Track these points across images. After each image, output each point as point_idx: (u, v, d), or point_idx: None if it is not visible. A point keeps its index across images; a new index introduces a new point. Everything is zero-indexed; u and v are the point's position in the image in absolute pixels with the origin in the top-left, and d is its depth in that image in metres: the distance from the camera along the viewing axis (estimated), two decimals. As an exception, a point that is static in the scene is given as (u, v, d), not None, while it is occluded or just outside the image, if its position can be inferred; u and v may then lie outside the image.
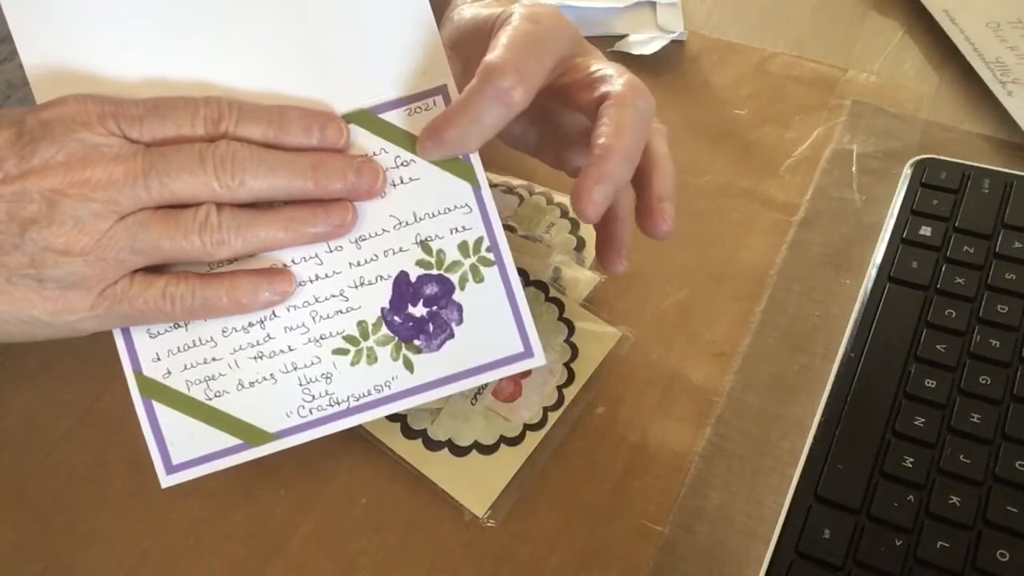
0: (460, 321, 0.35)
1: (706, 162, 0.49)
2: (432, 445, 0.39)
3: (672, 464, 0.38)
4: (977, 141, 0.47)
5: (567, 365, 0.41)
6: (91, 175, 0.30)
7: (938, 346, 0.38)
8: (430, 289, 0.35)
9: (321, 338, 0.34)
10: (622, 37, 0.55)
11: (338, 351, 0.34)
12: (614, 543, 0.36)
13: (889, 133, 0.48)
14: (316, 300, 0.34)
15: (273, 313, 0.34)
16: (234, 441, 0.34)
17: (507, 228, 0.45)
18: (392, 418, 0.39)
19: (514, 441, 0.39)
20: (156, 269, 0.33)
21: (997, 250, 0.41)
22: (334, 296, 0.34)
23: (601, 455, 0.39)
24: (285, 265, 0.34)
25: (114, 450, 0.40)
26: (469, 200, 0.35)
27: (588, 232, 0.45)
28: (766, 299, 0.43)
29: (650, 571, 0.35)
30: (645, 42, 0.54)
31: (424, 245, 0.34)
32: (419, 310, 0.35)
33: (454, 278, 0.35)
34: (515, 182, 0.48)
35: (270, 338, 0.34)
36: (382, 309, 0.35)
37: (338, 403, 0.35)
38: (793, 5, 0.57)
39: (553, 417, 0.39)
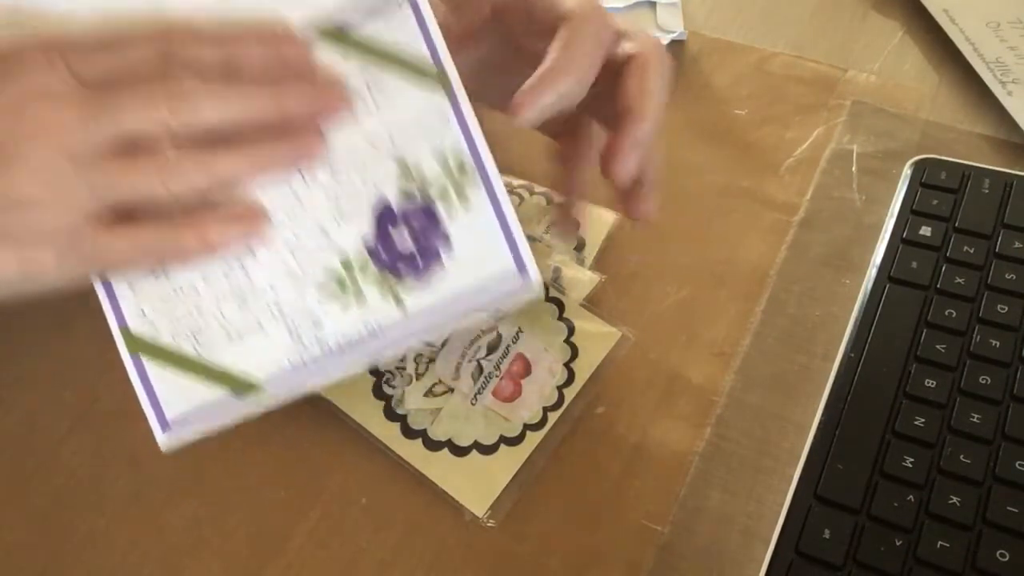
0: (449, 249, 0.32)
1: (706, 162, 0.49)
2: (432, 445, 0.39)
3: (672, 464, 0.38)
4: (977, 141, 0.47)
5: (567, 365, 0.41)
6: (40, 119, 0.29)
7: (938, 346, 0.38)
8: (415, 217, 0.32)
9: (304, 278, 0.32)
10: (622, 37, 0.55)
11: (324, 291, 0.32)
12: (614, 543, 0.36)
13: (889, 133, 0.48)
14: (296, 238, 0.32)
15: (253, 255, 0.32)
16: (225, 393, 0.32)
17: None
18: (392, 418, 0.39)
19: (514, 441, 0.39)
20: (125, 218, 0.31)
21: (997, 250, 0.41)
22: (313, 232, 0.32)
23: (601, 455, 0.39)
24: (258, 203, 0.32)
25: (114, 450, 0.40)
26: (445, 111, 0.32)
27: (588, 232, 0.45)
28: (766, 299, 0.43)
29: (650, 571, 0.35)
30: (645, 42, 0.54)
31: (403, 166, 0.32)
32: (404, 241, 0.32)
33: (438, 202, 0.32)
34: (515, 182, 0.48)
35: (252, 282, 0.32)
36: (365, 243, 0.32)
37: (329, 348, 0.32)
38: (793, 5, 0.57)
39: (553, 417, 0.39)
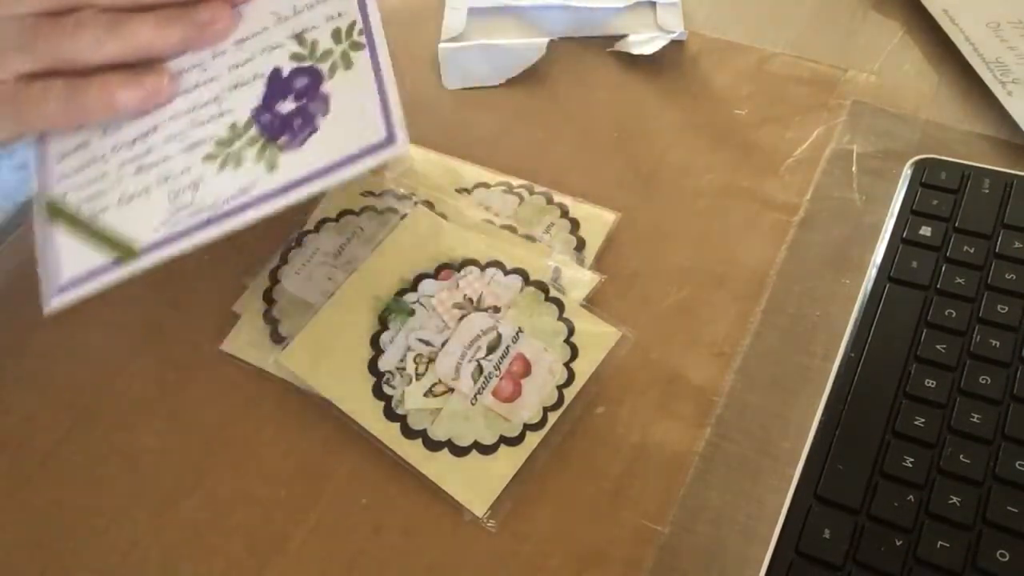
0: (326, 112, 0.33)
1: (706, 162, 0.49)
2: (432, 445, 0.39)
3: (672, 464, 0.38)
4: (977, 141, 0.47)
5: (567, 365, 0.41)
6: None
7: (938, 346, 0.38)
8: (300, 82, 0.33)
9: (194, 145, 0.33)
10: (622, 37, 0.55)
11: (208, 157, 0.33)
12: (614, 543, 0.36)
13: (889, 133, 0.48)
14: (195, 107, 0.33)
15: (155, 127, 0.34)
16: (109, 258, 0.34)
17: (507, 228, 0.46)
18: (392, 418, 0.39)
19: (514, 441, 0.39)
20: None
21: (997, 250, 0.41)
22: (210, 102, 0.33)
23: (601, 455, 0.39)
24: (165, 68, 0.34)
25: (114, 450, 0.40)
26: None
27: (588, 232, 0.45)
28: (766, 299, 0.43)
29: (650, 571, 0.35)
30: (645, 42, 0.54)
31: (299, 38, 0.33)
32: (288, 105, 0.33)
33: (324, 67, 0.33)
34: (515, 182, 0.48)
35: (151, 150, 0.34)
36: (253, 109, 0.33)
37: (202, 211, 0.33)
38: (793, 5, 0.57)
39: (553, 417, 0.39)
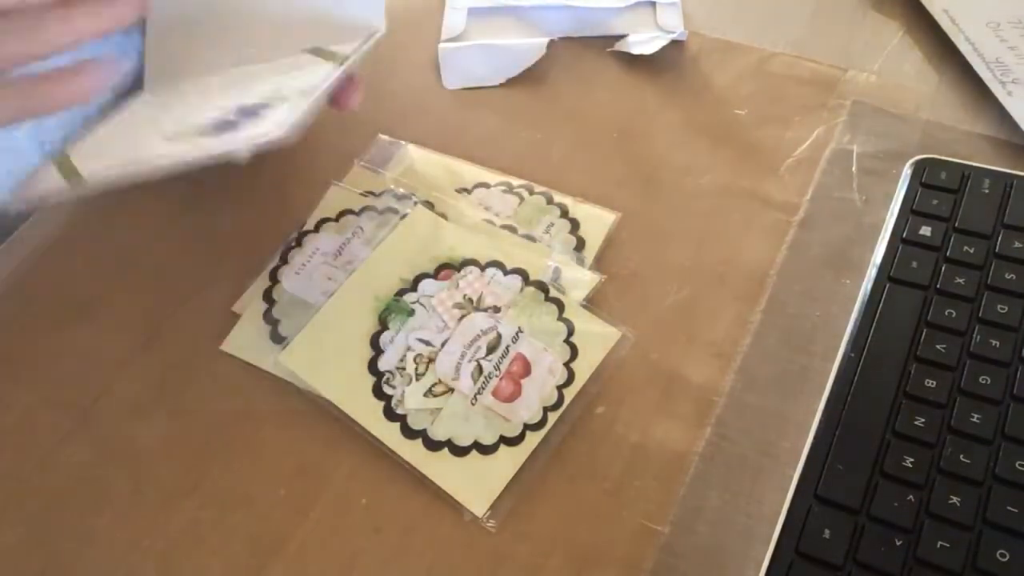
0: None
1: (706, 162, 0.49)
2: (432, 445, 0.39)
3: (672, 464, 0.38)
4: (977, 141, 0.47)
5: (567, 365, 0.41)
6: None
7: (938, 346, 0.38)
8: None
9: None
10: (622, 37, 0.55)
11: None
12: (614, 543, 0.36)
13: (889, 133, 0.48)
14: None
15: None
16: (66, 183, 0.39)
17: (507, 228, 0.46)
18: (392, 418, 0.39)
19: (514, 441, 0.39)
20: None
21: (997, 250, 0.41)
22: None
23: (601, 455, 0.39)
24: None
25: (114, 450, 0.40)
26: (329, 75, 0.40)
27: (588, 232, 0.45)
28: (766, 299, 0.43)
29: (650, 571, 0.35)
30: (645, 42, 0.54)
31: (276, 89, 0.40)
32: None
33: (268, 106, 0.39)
34: (515, 182, 0.48)
35: (132, 110, 0.42)
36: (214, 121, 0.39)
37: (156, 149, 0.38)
38: (793, 5, 0.57)
39: (553, 417, 0.39)
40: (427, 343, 0.41)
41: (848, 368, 0.38)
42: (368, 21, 0.42)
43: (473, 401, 0.40)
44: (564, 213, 0.46)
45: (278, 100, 0.38)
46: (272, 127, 0.36)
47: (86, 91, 0.36)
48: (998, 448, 0.35)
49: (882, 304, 0.40)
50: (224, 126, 0.38)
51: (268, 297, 0.44)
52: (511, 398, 0.40)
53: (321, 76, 0.39)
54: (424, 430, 0.39)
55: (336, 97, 0.42)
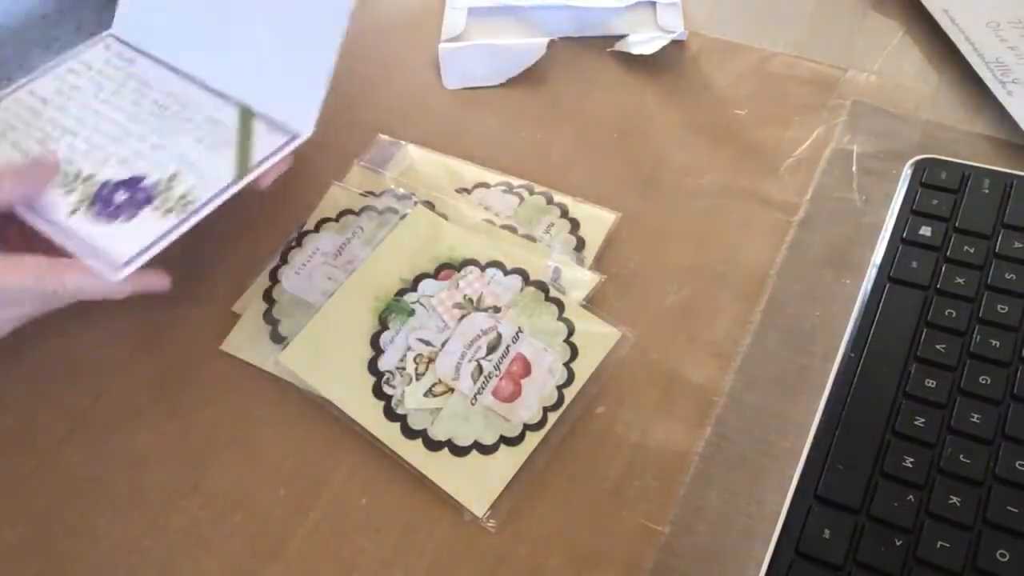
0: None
1: (706, 162, 0.49)
2: (432, 445, 0.39)
3: (672, 464, 0.38)
4: (977, 141, 0.47)
5: (567, 365, 0.41)
6: None
7: (938, 346, 0.38)
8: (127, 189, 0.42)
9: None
10: (622, 37, 0.55)
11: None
12: (614, 543, 0.36)
13: (889, 133, 0.48)
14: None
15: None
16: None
17: (507, 228, 0.46)
18: (392, 418, 0.39)
19: (514, 441, 0.39)
20: None
21: (997, 250, 0.41)
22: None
23: (601, 455, 0.39)
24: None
25: (114, 450, 0.40)
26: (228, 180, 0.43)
27: (588, 232, 0.45)
28: (766, 299, 0.43)
29: (650, 571, 0.35)
30: (645, 42, 0.54)
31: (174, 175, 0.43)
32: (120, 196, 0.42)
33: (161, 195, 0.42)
34: (515, 182, 0.48)
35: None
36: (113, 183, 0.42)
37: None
38: (793, 5, 0.57)
39: (553, 417, 0.39)
40: (427, 343, 0.41)
41: (848, 368, 0.38)
42: (295, 123, 0.43)
43: (473, 401, 0.40)
44: (564, 213, 0.46)
45: (164, 184, 0.41)
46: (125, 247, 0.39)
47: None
48: (998, 448, 0.35)
49: (882, 304, 0.40)
50: (97, 202, 0.41)
51: (268, 297, 0.44)
52: (511, 398, 0.40)
53: (220, 180, 0.41)
54: (424, 430, 0.39)
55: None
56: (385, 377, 0.40)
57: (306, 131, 0.43)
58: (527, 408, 0.39)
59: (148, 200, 0.41)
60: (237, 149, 0.43)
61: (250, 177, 0.42)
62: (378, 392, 0.40)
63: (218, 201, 0.41)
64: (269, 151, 0.43)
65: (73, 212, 0.41)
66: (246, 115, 0.44)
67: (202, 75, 0.46)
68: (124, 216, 0.40)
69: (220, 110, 0.44)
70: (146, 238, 0.39)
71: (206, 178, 0.41)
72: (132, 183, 0.41)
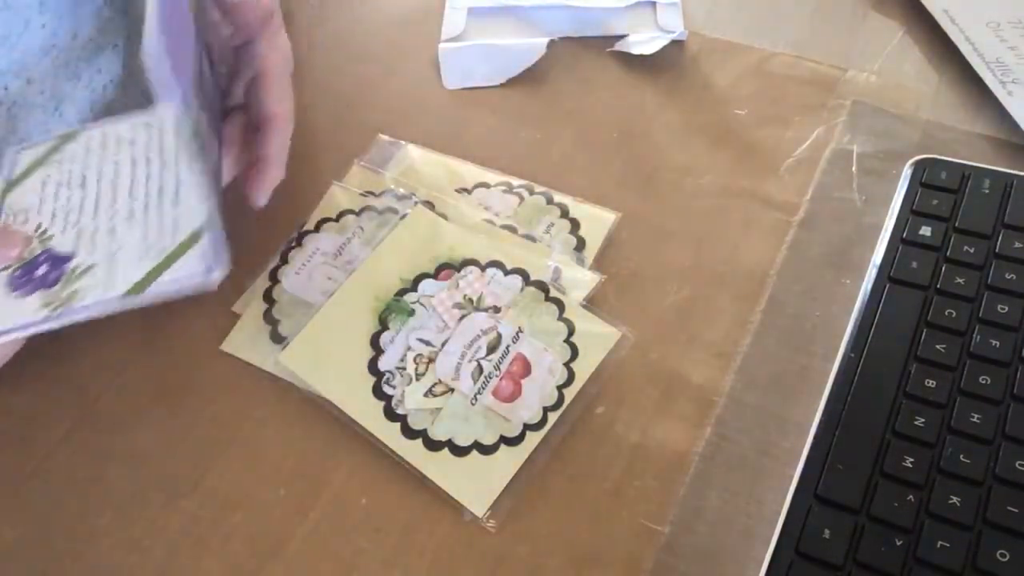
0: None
1: (706, 162, 0.49)
2: (432, 445, 0.39)
3: (672, 464, 0.38)
4: (977, 141, 0.47)
5: (567, 365, 0.41)
6: None
7: (938, 346, 0.38)
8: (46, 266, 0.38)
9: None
10: (622, 37, 0.55)
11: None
12: (614, 543, 0.36)
13: (889, 133, 0.48)
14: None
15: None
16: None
17: (507, 228, 0.46)
18: (392, 418, 0.39)
19: (514, 441, 0.39)
20: None
21: (997, 250, 0.41)
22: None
23: (601, 455, 0.39)
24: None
25: (114, 450, 0.40)
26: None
27: (588, 232, 0.45)
28: (766, 299, 0.43)
29: (650, 571, 0.35)
30: (645, 42, 0.54)
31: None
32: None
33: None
34: (515, 182, 0.48)
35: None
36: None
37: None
38: (793, 5, 0.57)
39: (553, 417, 0.39)
40: (427, 343, 0.41)
41: (848, 368, 0.38)
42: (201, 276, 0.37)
43: (473, 401, 0.40)
44: (564, 213, 0.46)
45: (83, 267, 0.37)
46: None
47: None
48: (998, 448, 0.35)
49: (882, 304, 0.40)
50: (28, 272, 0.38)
51: (268, 297, 0.44)
52: (511, 398, 0.40)
53: (115, 290, 0.37)
54: (424, 430, 0.39)
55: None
56: (385, 377, 0.40)
57: (220, 271, 0.37)
58: (527, 408, 0.39)
59: (51, 285, 0.37)
60: (157, 263, 0.37)
61: (137, 301, 0.37)
62: (378, 392, 0.40)
63: (94, 312, 0.37)
64: (183, 277, 0.37)
65: (4, 269, 0.38)
66: (196, 235, 0.38)
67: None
68: (23, 291, 0.37)
69: (189, 217, 0.39)
70: (12, 322, 0.36)
71: (107, 282, 0.37)
72: (59, 261, 0.38)
